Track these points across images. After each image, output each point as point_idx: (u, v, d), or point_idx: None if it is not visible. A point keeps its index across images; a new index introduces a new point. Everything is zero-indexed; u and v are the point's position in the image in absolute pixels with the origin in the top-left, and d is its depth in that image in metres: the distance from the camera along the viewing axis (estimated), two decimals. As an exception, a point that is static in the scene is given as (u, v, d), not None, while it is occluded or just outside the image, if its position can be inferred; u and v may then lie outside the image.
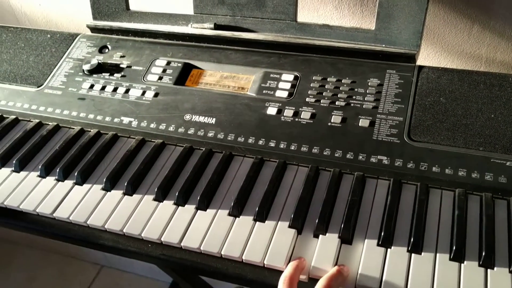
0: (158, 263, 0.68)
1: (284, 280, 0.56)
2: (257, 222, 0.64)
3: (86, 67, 0.86)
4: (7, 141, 0.81)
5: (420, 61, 0.86)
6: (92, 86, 0.84)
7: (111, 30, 0.92)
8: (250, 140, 0.73)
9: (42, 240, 1.89)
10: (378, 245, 0.60)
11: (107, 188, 0.70)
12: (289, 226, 0.63)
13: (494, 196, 0.63)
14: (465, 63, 0.87)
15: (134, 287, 1.76)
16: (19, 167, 0.75)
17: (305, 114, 0.74)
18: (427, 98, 0.72)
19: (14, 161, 0.76)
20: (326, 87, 0.76)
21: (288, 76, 0.79)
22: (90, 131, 0.80)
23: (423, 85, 0.74)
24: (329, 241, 0.60)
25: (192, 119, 0.76)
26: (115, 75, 0.85)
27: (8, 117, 0.85)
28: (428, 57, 0.89)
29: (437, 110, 0.70)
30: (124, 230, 0.65)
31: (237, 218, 0.65)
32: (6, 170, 0.76)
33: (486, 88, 0.71)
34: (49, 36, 0.94)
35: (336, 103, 0.74)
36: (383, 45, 0.78)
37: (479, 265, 0.57)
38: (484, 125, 0.68)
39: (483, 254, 0.56)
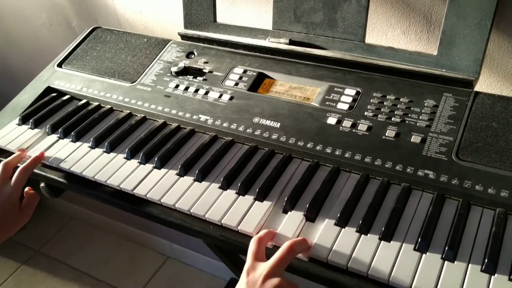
0: (217, 243, 0.77)
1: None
2: (307, 220, 0.71)
3: (174, 69, 0.98)
4: (102, 127, 0.94)
5: (482, 89, 0.91)
6: (177, 86, 0.96)
7: (198, 39, 1.04)
8: (308, 145, 0.80)
9: (118, 226, 2.07)
10: (414, 249, 0.65)
11: (181, 173, 0.81)
12: (335, 224, 0.70)
13: (533, 219, 0.67)
14: (528, 94, 0.90)
15: (194, 280, 1.87)
16: (110, 149, 0.88)
17: (362, 126, 0.81)
18: (479, 122, 0.76)
19: (106, 143, 0.89)
20: (384, 103, 0.83)
21: (351, 91, 0.86)
22: (171, 124, 0.92)
23: (477, 110, 0.78)
24: (370, 240, 0.67)
25: (260, 122, 0.86)
26: (198, 78, 0.96)
27: (104, 107, 0.99)
28: (490, 85, 0.92)
29: (488, 134, 0.75)
30: (191, 211, 0.75)
31: (289, 213, 0.73)
32: (98, 150, 0.89)
33: (539, 118, 0.75)
34: (145, 40, 1.08)
35: (392, 119, 0.80)
36: (443, 70, 0.83)
37: (509, 279, 0.60)
38: (532, 152, 0.71)
39: (514, 270, 0.60)
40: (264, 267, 0.63)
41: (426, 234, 0.66)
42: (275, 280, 0.61)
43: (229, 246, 0.74)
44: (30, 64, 1.72)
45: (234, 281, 1.85)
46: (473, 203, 0.70)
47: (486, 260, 0.62)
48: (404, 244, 0.66)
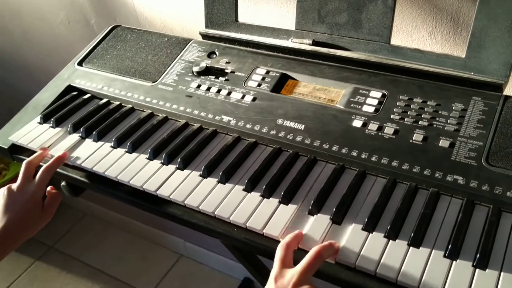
0: (241, 246, 0.76)
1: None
2: (333, 224, 0.71)
3: (195, 69, 0.97)
4: (123, 126, 0.94)
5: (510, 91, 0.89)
6: (199, 86, 0.95)
7: (220, 38, 1.03)
8: (334, 148, 0.79)
9: (132, 223, 2.07)
10: (444, 256, 0.64)
11: (204, 175, 0.80)
12: (362, 229, 0.69)
13: None
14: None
15: (208, 279, 1.87)
16: (132, 149, 0.88)
17: (389, 130, 0.79)
18: (510, 127, 0.75)
19: (128, 143, 0.88)
20: (411, 106, 0.81)
21: (376, 93, 0.85)
22: (193, 125, 0.91)
23: (507, 114, 0.76)
24: (398, 246, 0.66)
25: (284, 124, 0.85)
26: (220, 78, 0.95)
27: (125, 106, 0.98)
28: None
29: (519, 139, 0.73)
30: (216, 213, 0.74)
31: (315, 216, 0.72)
32: (120, 150, 0.88)
33: None
34: (166, 39, 1.07)
35: (419, 123, 0.79)
36: (472, 73, 0.82)
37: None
38: None
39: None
40: (293, 273, 0.62)
41: (456, 241, 0.65)
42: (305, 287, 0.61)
43: (253, 249, 0.74)
44: (48, 61, 1.72)
45: (248, 280, 1.85)
46: (504, 209, 0.69)
47: (518, 269, 0.61)
48: (433, 250, 0.65)
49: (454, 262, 0.63)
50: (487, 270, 0.62)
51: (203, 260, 1.95)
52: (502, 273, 0.61)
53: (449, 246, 0.64)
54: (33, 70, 1.82)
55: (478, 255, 0.63)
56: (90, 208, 2.20)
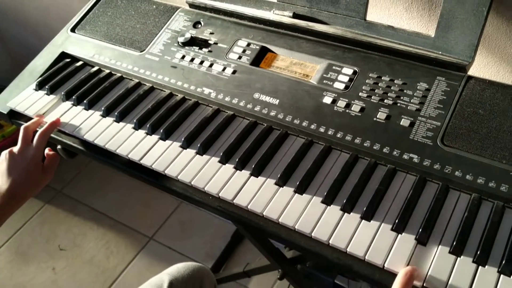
0: (216, 213, 0.84)
1: None
2: (296, 194, 0.78)
3: (180, 39, 1.02)
4: (112, 95, 0.99)
5: (479, 69, 0.93)
6: (183, 57, 1.00)
7: (205, 8, 1.07)
8: (304, 123, 0.85)
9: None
10: (391, 229, 0.71)
11: (184, 146, 0.87)
12: (322, 202, 0.76)
13: (505, 205, 0.72)
14: (523, 75, 0.92)
15: (205, 225, 1.98)
16: (119, 119, 0.94)
17: (356, 107, 0.85)
18: (467, 108, 0.80)
19: (115, 113, 0.94)
20: (379, 85, 0.86)
21: (348, 70, 0.89)
22: (177, 95, 0.97)
23: (467, 96, 0.81)
24: (352, 218, 0.73)
25: (260, 98, 0.90)
26: (203, 49, 1.00)
27: (115, 74, 1.04)
28: (487, 65, 0.94)
29: (474, 121, 0.78)
30: (192, 183, 0.82)
31: (280, 188, 0.79)
32: (109, 119, 0.95)
33: (525, 106, 0.78)
34: (154, 7, 1.10)
35: (385, 101, 0.84)
36: (440, 53, 0.85)
37: (473, 261, 0.67)
38: (513, 141, 0.75)
39: (478, 252, 0.67)
40: None
41: (404, 215, 0.72)
42: None
43: (226, 216, 0.82)
44: (47, 16, 1.76)
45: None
46: (451, 187, 0.75)
47: (454, 243, 0.68)
48: (383, 223, 0.72)
49: (399, 235, 0.71)
50: (427, 243, 0.69)
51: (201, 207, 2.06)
52: (440, 246, 0.69)
53: (396, 221, 0.72)
54: (33, 23, 1.86)
55: (420, 230, 0.70)
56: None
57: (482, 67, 0.95)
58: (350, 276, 1.48)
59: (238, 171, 0.82)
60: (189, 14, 1.07)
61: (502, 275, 0.65)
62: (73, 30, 1.12)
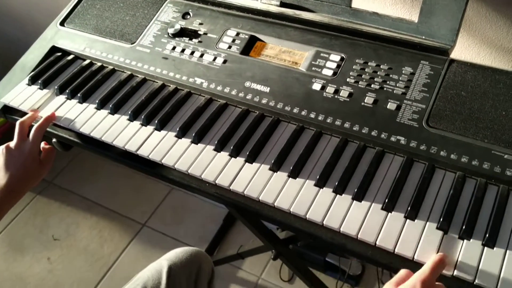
0: (213, 199, 0.87)
1: None
2: (290, 178, 0.81)
3: (170, 30, 1.03)
4: (106, 88, 1.01)
5: (460, 51, 0.97)
6: (174, 48, 1.02)
7: (193, -2, 1.08)
8: (295, 110, 0.88)
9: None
10: (382, 209, 0.75)
11: (179, 135, 0.90)
12: (314, 184, 0.80)
13: (488, 182, 0.76)
14: (503, 57, 0.96)
15: (197, 210, 2.01)
16: (114, 111, 0.96)
17: (344, 93, 0.88)
18: (450, 91, 0.84)
19: (110, 105, 0.96)
20: (366, 70, 0.89)
21: (336, 57, 0.92)
22: (169, 86, 0.99)
23: (450, 78, 0.85)
24: (344, 199, 0.77)
25: (251, 86, 0.93)
26: (193, 40, 1.02)
27: (107, 67, 1.05)
28: (469, 47, 0.98)
29: (456, 102, 0.82)
30: (189, 171, 0.85)
31: (275, 173, 0.82)
32: (104, 112, 0.97)
33: (505, 87, 0.82)
34: (142, -2, 1.12)
35: (372, 86, 0.87)
36: (423, 37, 0.89)
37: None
38: (494, 121, 0.79)
39: (464, 227, 0.71)
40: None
41: (393, 195, 0.76)
42: None
43: (222, 202, 0.85)
44: (35, 10, 1.75)
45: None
46: (437, 166, 0.79)
47: (441, 219, 0.72)
48: (373, 203, 0.76)
49: (389, 213, 0.75)
50: (416, 220, 0.74)
51: (192, 192, 2.09)
52: (428, 223, 0.73)
53: (386, 200, 0.76)
54: (18, 16, 1.85)
55: (409, 208, 0.74)
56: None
57: (463, 49, 0.99)
58: (342, 254, 1.54)
59: (233, 158, 0.85)
60: (177, 5, 1.08)
61: (486, 248, 0.69)
62: (62, 23, 1.13)
